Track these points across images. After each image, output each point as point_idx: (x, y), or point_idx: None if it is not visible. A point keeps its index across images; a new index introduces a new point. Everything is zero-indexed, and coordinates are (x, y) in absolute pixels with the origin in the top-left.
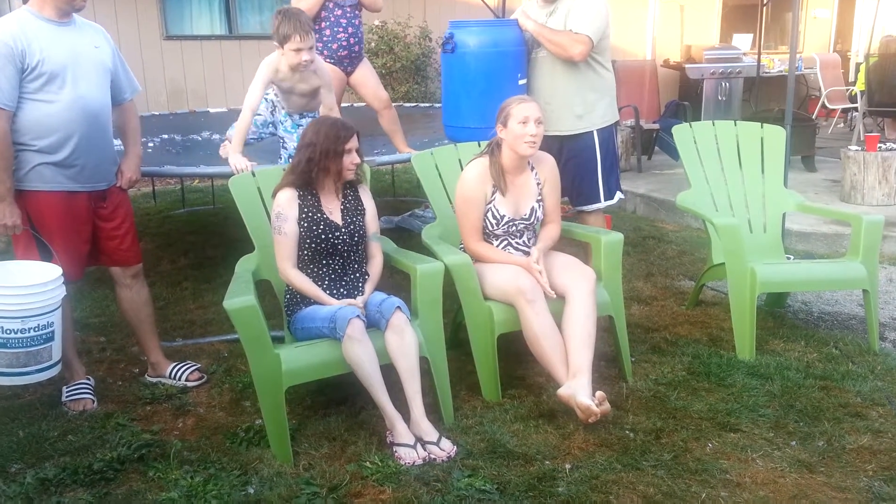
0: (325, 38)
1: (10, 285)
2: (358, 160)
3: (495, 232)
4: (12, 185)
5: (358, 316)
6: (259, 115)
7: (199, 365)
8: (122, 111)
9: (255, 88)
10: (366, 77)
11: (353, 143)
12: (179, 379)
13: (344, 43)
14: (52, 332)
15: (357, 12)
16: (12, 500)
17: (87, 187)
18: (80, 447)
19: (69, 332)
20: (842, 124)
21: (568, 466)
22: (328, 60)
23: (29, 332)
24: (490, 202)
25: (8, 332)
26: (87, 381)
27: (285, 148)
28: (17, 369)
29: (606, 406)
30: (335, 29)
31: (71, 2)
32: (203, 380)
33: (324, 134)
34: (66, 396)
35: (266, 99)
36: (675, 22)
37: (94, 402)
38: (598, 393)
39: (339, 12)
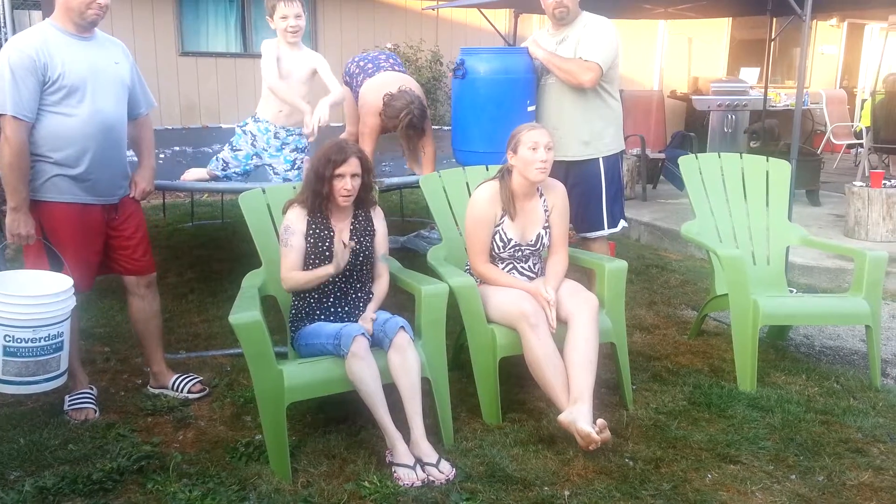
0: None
1: (23, 294)
2: (350, 186)
3: (501, 255)
4: (28, 195)
5: (363, 334)
6: (239, 149)
7: (202, 377)
8: (138, 125)
9: (269, 65)
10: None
11: (345, 168)
12: (182, 390)
13: None
14: (62, 341)
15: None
16: None
17: (101, 201)
18: (80, 457)
19: (74, 341)
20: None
21: (567, 493)
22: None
23: (40, 341)
24: (498, 224)
25: (19, 340)
26: (90, 391)
27: (277, 173)
28: (25, 378)
29: (607, 434)
30: None
31: (82, 14)
32: (205, 392)
33: (318, 156)
34: (69, 405)
35: (245, 132)
36: (682, 54)
37: (96, 411)
38: (599, 420)
39: None
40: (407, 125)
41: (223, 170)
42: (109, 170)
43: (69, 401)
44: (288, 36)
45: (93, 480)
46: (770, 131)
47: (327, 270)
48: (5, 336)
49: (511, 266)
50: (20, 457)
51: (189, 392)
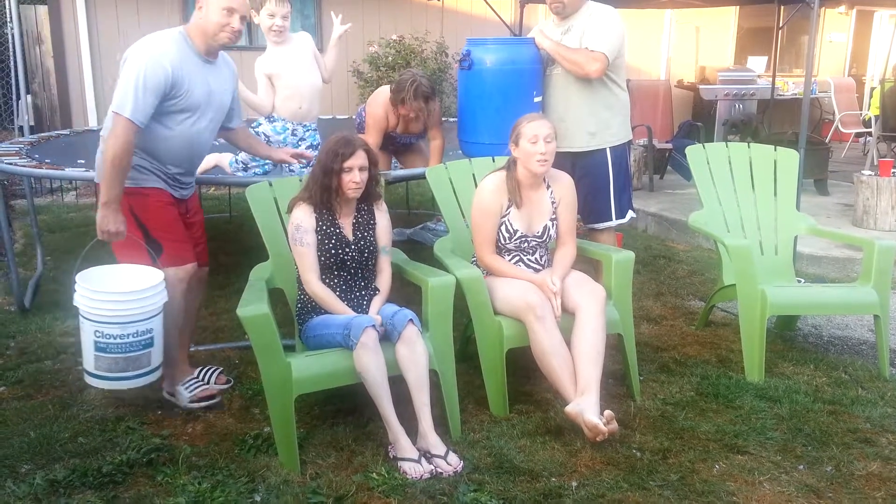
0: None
1: (109, 291)
2: (358, 179)
3: (507, 246)
4: (121, 192)
5: (373, 326)
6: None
7: (222, 368)
8: (236, 133)
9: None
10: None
11: (353, 160)
12: (208, 381)
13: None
14: (152, 338)
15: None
16: (21, 500)
17: (178, 195)
18: (90, 450)
19: (172, 331)
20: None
21: (574, 484)
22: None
23: (128, 337)
24: (505, 215)
25: (108, 337)
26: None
27: (292, 170)
28: (115, 374)
29: (614, 425)
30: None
31: (215, 37)
32: (229, 384)
33: (325, 150)
34: (190, 394)
35: (257, 132)
36: (690, 43)
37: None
38: (607, 412)
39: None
40: (415, 93)
41: (244, 171)
42: (188, 174)
43: (188, 390)
44: (272, 35)
45: (103, 473)
46: (748, 122)
47: (349, 311)
48: (95, 332)
49: (518, 258)
50: (31, 450)
51: (215, 382)
